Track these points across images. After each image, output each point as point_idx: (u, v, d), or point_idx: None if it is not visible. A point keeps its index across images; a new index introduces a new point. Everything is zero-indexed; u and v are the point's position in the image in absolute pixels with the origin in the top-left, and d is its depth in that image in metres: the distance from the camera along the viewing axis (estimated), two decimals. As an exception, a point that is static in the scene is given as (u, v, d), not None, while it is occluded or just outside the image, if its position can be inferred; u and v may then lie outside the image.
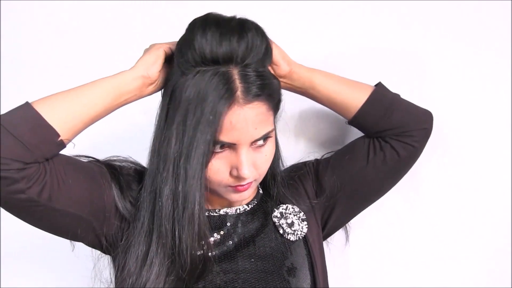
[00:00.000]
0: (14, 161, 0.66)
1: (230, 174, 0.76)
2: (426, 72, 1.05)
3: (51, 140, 0.70)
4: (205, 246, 0.76)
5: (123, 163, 0.85)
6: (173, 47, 0.80)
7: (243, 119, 0.71)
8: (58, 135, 0.71)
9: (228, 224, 0.84)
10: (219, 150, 0.74)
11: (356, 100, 0.88)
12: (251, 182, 0.78)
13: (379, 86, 0.91)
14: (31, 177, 0.68)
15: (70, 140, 0.73)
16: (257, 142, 0.75)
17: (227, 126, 0.71)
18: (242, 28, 0.73)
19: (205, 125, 0.70)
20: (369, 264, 1.10)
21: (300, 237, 0.86)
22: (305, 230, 0.87)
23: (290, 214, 0.88)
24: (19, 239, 1.16)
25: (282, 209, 0.88)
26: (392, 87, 1.06)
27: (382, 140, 0.89)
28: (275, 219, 0.87)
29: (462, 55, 1.04)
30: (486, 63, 1.03)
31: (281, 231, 0.86)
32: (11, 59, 1.15)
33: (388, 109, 0.88)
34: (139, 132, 1.08)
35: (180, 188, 0.73)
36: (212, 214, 0.84)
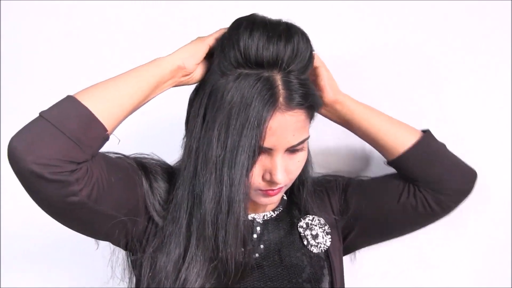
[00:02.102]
0: (68, 163, 0.62)
1: (263, 178, 0.75)
2: (426, 71, 1.05)
3: (100, 136, 0.67)
4: (247, 251, 0.76)
5: (150, 161, 0.83)
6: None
7: (283, 125, 0.71)
8: (106, 130, 0.67)
9: (258, 230, 0.83)
10: None
11: (400, 144, 0.85)
12: (282, 187, 0.77)
13: (427, 134, 0.88)
14: (83, 178, 0.64)
15: (111, 133, 0.71)
16: (292, 148, 0.74)
17: (267, 131, 0.70)
18: (289, 33, 0.71)
19: (250, 131, 0.69)
20: (374, 265, 1.10)
21: (323, 250, 0.85)
22: (328, 243, 0.86)
23: (316, 226, 0.86)
24: (19, 239, 1.16)
25: (309, 219, 0.87)
26: (392, 86, 1.06)
27: (417, 188, 0.86)
28: (301, 230, 0.86)
29: (462, 55, 1.04)
30: (486, 63, 1.03)
31: (305, 242, 0.85)
32: (11, 59, 1.15)
33: (431, 161, 0.85)
34: (140, 131, 1.08)
35: (224, 193, 0.72)
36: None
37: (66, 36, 1.13)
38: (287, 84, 0.70)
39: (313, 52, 0.77)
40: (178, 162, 0.85)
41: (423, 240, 1.07)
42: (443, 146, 0.89)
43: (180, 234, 0.75)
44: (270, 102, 0.69)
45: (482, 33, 1.03)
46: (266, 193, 0.76)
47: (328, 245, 0.85)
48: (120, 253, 0.85)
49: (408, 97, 1.06)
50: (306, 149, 0.79)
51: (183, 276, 0.73)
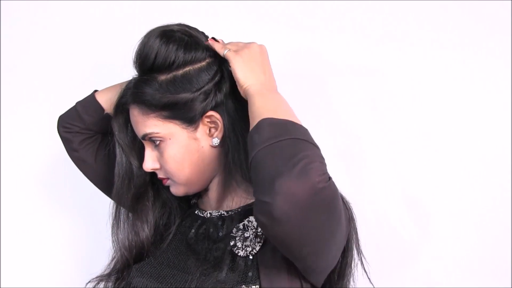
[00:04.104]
0: (72, 125, 0.91)
1: None
2: (426, 71, 1.05)
3: (98, 113, 0.90)
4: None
5: None
6: None
7: (131, 118, 0.82)
8: (103, 110, 0.89)
9: (204, 226, 0.83)
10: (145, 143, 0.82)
11: None
12: (165, 179, 0.83)
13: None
14: (84, 142, 0.91)
15: None
16: (150, 141, 0.80)
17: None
18: (146, 38, 0.78)
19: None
20: (374, 263, 1.10)
21: (250, 254, 0.75)
22: (257, 248, 0.75)
23: (252, 228, 0.77)
24: (19, 239, 1.16)
25: (248, 220, 0.78)
26: (391, 86, 1.06)
27: None
28: (234, 229, 0.78)
29: (462, 55, 1.04)
30: (486, 63, 1.03)
31: (231, 243, 0.76)
32: (11, 59, 1.15)
33: None
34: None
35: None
36: (199, 214, 0.85)
37: (67, 36, 1.13)
38: (130, 83, 0.81)
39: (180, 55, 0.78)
40: None
41: (424, 240, 1.07)
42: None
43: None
44: (119, 96, 0.82)
45: (482, 33, 1.03)
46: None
47: (257, 250, 0.75)
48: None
49: (408, 97, 1.06)
50: (171, 148, 0.78)
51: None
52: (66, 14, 1.13)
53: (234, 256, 0.76)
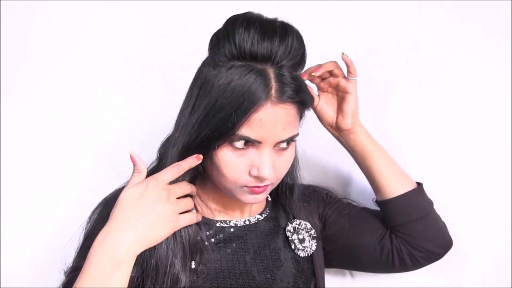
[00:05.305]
0: None
1: (249, 173, 0.74)
2: (425, 71, 1.05)
3: None
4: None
5: None
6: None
7: (273, 118, 0.71)
8: None
9: (242, 235, 0.83)
10: (243, 147, 0.72)
11: (393, 190, 0.89)
12: (267, 185, 0.76)
13: (419, 188, 0.91)
14: None
15: None
16: (280, 144, 0.74)
17: (256, 122, 0.70)
18: (284, 31, 0.72)
19: (233, 115, 0.69)
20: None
21: (309, 254, 0.87)
22: (314, 247, 0.87)
23: (303, 230, 0.88)
24: (19, 239, 1.16)
25: (296, 224, 0.88)
26: (391, 86, 1.06)
27: (395, 238, 0.90)
28: (289, 234, 0.87)
29: (462, 55, 1.04)
30: (486, 63, 1.03)
31: (292, 246, 0.86)
32: (11, 59, 1.15)
33: (414, 215, 0.88)
34: (138, 131, 1.09)
35: None
36: (223, 225, 0.83)
37: (67, 36, 1.13)
38: (279, 77, 0.71)
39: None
40: (152, 163, 0.84)
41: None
42: (430, 204, 0.92)
43: None
44: (260, 92, 0.69)
45: (482, 33, 1.03)
46: (252, 190, 0.75)
47: (314, 249, 0.88)
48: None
49: (408, 98, 1.06)
50: (294, 149, 0.79)
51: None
52: (66, 14, 1.13)
53: (296, 257, 0.86)
